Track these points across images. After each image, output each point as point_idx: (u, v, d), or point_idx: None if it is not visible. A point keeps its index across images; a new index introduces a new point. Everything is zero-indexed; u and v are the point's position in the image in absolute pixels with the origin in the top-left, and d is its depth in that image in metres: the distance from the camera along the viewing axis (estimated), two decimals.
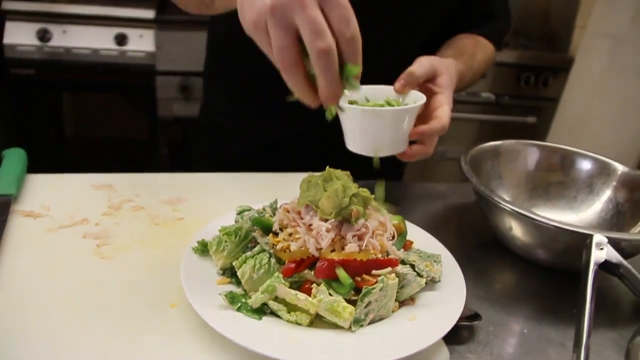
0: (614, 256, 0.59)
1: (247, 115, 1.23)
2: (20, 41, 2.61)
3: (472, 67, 1.08)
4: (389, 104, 0.83)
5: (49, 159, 3.30)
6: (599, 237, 0.60)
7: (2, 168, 0.93)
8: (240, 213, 0.76)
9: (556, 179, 0.97)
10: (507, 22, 1.28)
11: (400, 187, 1.12)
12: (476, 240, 0.90)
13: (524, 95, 2.78)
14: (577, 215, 0.95)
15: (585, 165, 0.97)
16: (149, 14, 2.62)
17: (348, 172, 0.73)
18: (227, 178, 1.00)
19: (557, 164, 0.98)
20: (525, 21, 3.19)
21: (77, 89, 3.13)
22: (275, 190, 0.94)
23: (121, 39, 2.61)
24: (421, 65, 0.86)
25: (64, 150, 3.48)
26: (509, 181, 0.97)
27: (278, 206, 0.76)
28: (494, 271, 0.84)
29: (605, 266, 0.59)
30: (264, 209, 0.76)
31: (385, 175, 0.93)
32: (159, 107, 2.68)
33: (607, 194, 0.94)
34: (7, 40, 2.61)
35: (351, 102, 0.82)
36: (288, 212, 0.70)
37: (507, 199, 0.95)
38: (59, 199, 0.89)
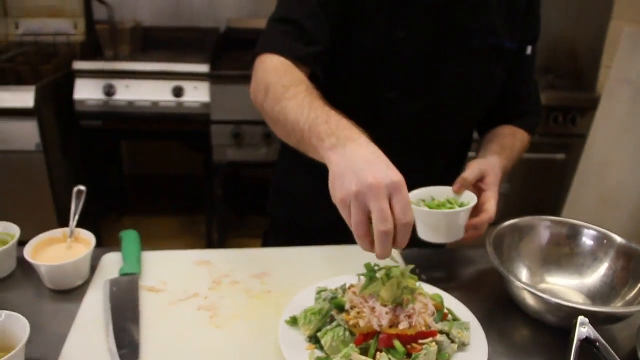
0: (593, 333, 0.80)
1: (319, 190, 1.34)
2: (89, 96, 2.91)
3: (512, 158, 1.31)
4: (449, 202, 1.11)
5: (110, 195, 3.59)
6: (582, 319, 0.81)
7: (124, 249, 1.18)
8: (319, 293, 1.00)
9: (566, 249, 1.18)
10: (539, 115, 1.46)
11: (441, 254, 1.31)
12: (499, 302, 1.10)
13: (554, 134, 2.97)
14: (584, 280, 1.15)
15: (590, 237, 1.17)
16: (204, 68, 2.89)
17: (412, 266, 0.98)
18: (302, 252, 1.22)
19: (566, 236, 1.19)
20: (553, 59, 3.37)
21: (138, 137, 3.43)
22: (344, 262, 1.16)
23: (178, 92, 2.88)
24: (472, 171, 1.14)
25: (122, 187, 3.77)
26: (526, 252, 1.18)
27: (347, 287, 1.00)
28: (512, 329, 1.03)
29: (587, 341, 0.80)
30: (336, 289, 1.00)
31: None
32: (214, 152, 2.94)
33: (607, 262, 1.15)
34: (77, 96, 2.91)
35: (420, 200, 1.11)
36: (355, 294, 0.94)
37: (524, 267, 1.18)
38: (171, 275, 1.12)
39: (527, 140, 1.41)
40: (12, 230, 1.19)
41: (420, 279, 1.09)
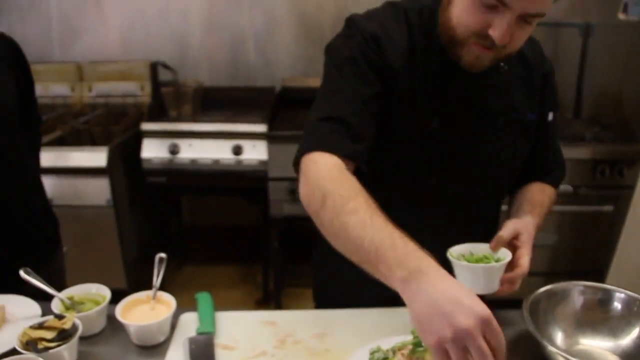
0: None
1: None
2: (155, 155, 3.13)
3: (543, 214, 1.40)
4: (486, 257, 1.23)
5: (170, 245, 3.79)
6: None
7: (200, 310, 1.34)
8: (372, 353, 1.13)
9: (599, 313, 1.27)
10: (564, 169, 1.58)
11: None
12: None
13: (601, 186, 3.02)
14: (618, 341, 1.23)
15: (622, 301, 1.26)
16: (261, 128, 3.09)
17: None
18: (358, 313, 1.34)
19: (599, 301, 1.29)
20: (598, 110, 3.45)
21: (199, 192, 3.63)
22: (395, 323, 1.27)
23: (238, 150, 3.08)
24: (507, 229, 1.26)
25: (182, 237, 3.96)
26: (560, 316, 1.26)
27: (397, 349, 1.13)
28: None
29: None
30: (387, 350, 1.13)
31: None
32: (271, 207, 3.11)
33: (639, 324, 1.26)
34: (144, 154, 3.13)
35: (460, 255, 1.24)
36: (404, 356, 1.07)
37: (560, 330, 1.28)
38: (242, 333, 1.26)
39: (554, 194, 1.51)
40: (104, 292, 1.36)
41: None
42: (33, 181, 1.82)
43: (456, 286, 0.87)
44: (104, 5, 3.71)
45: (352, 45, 1.25)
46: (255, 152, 3.09)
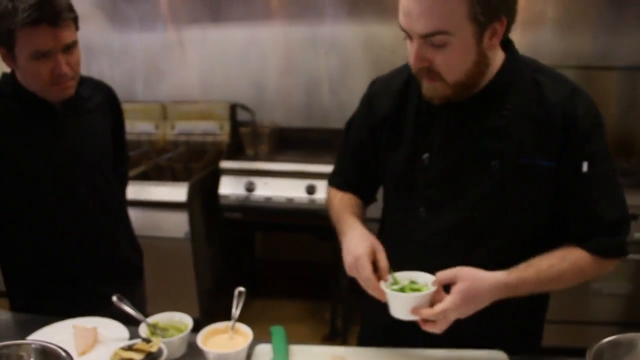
0: None
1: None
2: (232, 191, 3.27)
3: (540, 278, 1.28)
4: (413, 287, 1.31)
5: (242, 278, 3.90)
6: None
7: (274, 342, 1.42)
8: None
9: None
10: (616, 236, 1.35)
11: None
12: None
13: None
14: None
15: None
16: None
17: None
18: (422, 353, 1.40)
19: None
20: None
21: (273, 228, 3.74)
22: None
23: (311, 189, 3.18)
24: (446, 272, 1.26)
25: (253, 271, 4.07)
26: None
27: None
28: None
29: None
30: None
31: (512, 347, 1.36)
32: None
33: None
34: (222, 191, 3.28)
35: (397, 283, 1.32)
36: None
37: None
38: None
39: (593, 263, 1.34)
40: (186, 320, 1.48)
41: None
42: (121, 215, 1.97)
43: (350, 240, 1.38)
44: (187, 49, 3.93)
45: (357, 111, 1.62)
46: None
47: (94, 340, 1.48)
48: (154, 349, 1.32)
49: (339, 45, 3.73)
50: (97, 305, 1.60)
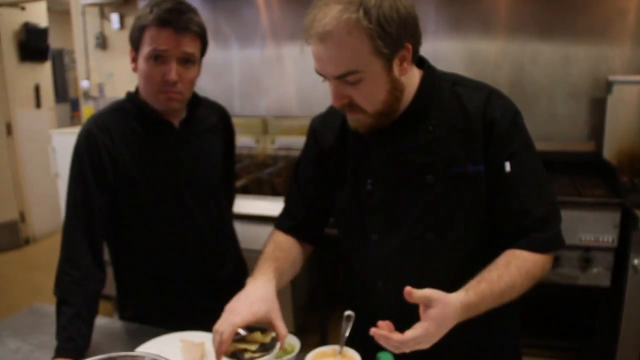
0: None
1: None
2: None
3: (493, 291, 1.24)
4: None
5: (337, 294, 3.88)
6: None
7: None
8: None
9: None
10: (550, 229, 1.35)
11: None
12: None
13: None
14: None
15: None
16: None
17: None
18: None
19: None
20: None
21: None
22: None
23: None
24: (424, 292, 1.17)
25: None
26: None
27: None
28: None
29: None
30: None
31: None
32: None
33: None
34: None
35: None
36: None
37: None
38: None
39: (536, 261, 1.33)
40: (293, 342, 1.46)
41: None
42: (229, 232, 2.00)
43: (250, 289, 1.41)
44: (285, 64, 3.98)
45: (303, 148, 1.65)
46: None
47: (202, 356, 1.50)
48: (267, 340, 1.36)
49: (441, 61, 3.61)
50: (203, 320, 1.62)
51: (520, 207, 1.36)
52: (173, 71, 1.61)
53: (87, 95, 4.76)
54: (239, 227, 3.16)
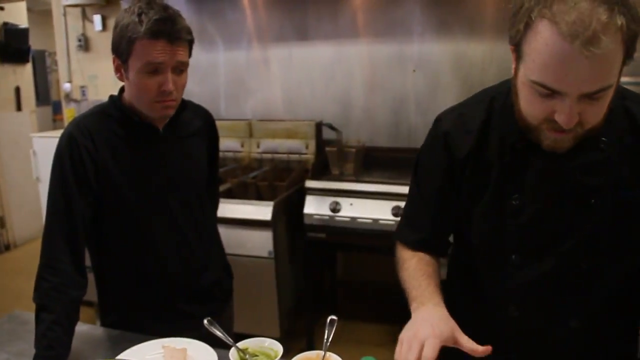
0: None
1: None
2: (316, 211, 3.24)
3: None
4: None
5: (323, 299, 3.87)
6: None
7: None
8: None
9: None
10: None
11: None
12: None
13: None
14: None
15: None
16: None
17: None
18: None
19: None
20: None
21: (356, 249, 3.69)
22: None
23: (397, 211, 3.10)
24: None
25: (334, 292, 4.03)
26: None
27: None
28: None
29: None
30: None
31: None
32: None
33: None
34: (306, 210, 3.26)
35: None
36: None
37: None
38: None
39: None
40: (276, 347, 1.43)
41: None
42: (213, 236, 1.97)
43: (431, 314, 1.21)
44: (272, 66, 3.96)
45: (425, 149, 1.43)
46: None
47: None
48: None
49: (427, 63, 3.68)
50: (186, 326, 1.60)
51: None
52: (170, 82, 1.58)
53: (69, 98, 4.70)
54: (224, 232, 3.13)
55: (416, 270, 1.37)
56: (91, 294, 1.69)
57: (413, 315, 1.26)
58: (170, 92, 1.59)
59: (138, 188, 1.68)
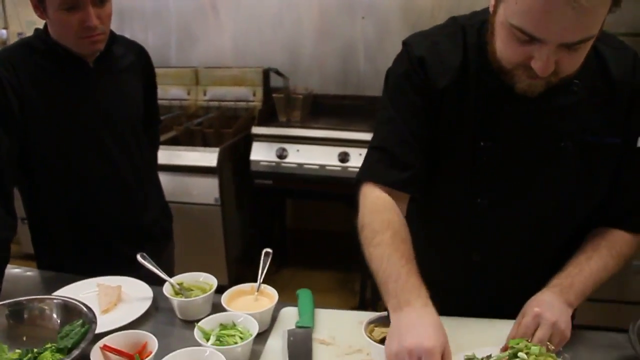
0: None
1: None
2: (263, 158, 3.23)
3: (588, 283, 1.21)
4: None
5: (272, 247, 3.87)
6: None
7: (300, 305, 1.37)
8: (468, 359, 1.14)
9: None
10: None
11: (587, 335, 1.31)
12: None
13: None
14: None
15: None
16: (368, 136, 3.10)
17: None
18: (456, 322, 1.27)
19: None
20: None
21: (303, 196, 3.70)
22: (489, 336, 1.23)
23: (344, 157, 3.12)
24: (525, 325, 1.14)
25: (284, 239, 4.05)
26: None
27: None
28: None
29: None
30: (482, 358, 1.12)
31: None
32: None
33: None
34: (253, 157, 3.24)
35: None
36: None
37: None
38: (339, 331, 1.27)
39: (629, 241, 1.28)
40: (211, 281, 1.44)
41: (564, 358, 1.15)
42: (152, 177, 1.94)
43: (425, 318, 1.03)
44: (220, 14, 3.87)
45: (400, 72, 1.28)
46: (361, 160, 3.09)
47: (118, 299, 1.46)
48: None
49: (376, 9, 3.64)
50: (124, 266, 1.57)
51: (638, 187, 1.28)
52: (92, 17, 1.51)
53: (5, 45, 4.52)
54: (170, 179, 3.12)
55: (392, 252, 1.14)
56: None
57: (395, 318, 1.07)
58: (94, 27, 1.53)
59: (68, 124, 1.63)
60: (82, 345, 1.14)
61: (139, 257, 1.47)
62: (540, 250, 1.33)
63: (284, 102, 3.48)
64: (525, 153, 1.24)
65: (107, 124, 1.69)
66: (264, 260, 1.43)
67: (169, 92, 3.80)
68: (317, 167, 3.16)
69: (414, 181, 1.26)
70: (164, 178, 2.00)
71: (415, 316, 1.04)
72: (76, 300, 1.29)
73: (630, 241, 1.28)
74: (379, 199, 1.24)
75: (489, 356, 1.11)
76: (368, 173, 1.30)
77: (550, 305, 1.14)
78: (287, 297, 1.46)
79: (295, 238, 4.09)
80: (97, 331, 1.21)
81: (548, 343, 1.10)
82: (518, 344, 1.05)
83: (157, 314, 1.43)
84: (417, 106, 1.25)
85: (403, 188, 1.26)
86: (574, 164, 1.23)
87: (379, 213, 1.22)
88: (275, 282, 1.46)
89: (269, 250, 1.44)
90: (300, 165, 3.19)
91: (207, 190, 3.16)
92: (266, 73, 3.73)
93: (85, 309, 1.25)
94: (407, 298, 1.06)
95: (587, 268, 1.21)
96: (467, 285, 1.36)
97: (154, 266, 1.45)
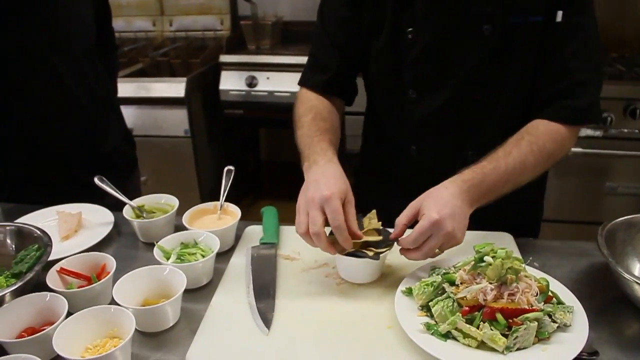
0: None
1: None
2: (232, 87, 3.15)
3: (497, 167, 1.16)
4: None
5: (247, 180, 3.85)
6: None
7: (265, 222, 1.35)
8: (433, 269, 1.11)
9: None
10: (588, 97, 1.24)
11: (557, 245, 1.33)
12: (609, 295, 1.12)
13: None
14: None
15: None
16: None
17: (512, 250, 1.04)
18: None
19: None
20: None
21: (276, 125, 3.63)
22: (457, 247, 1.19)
23: None
24: (404, 214, 1.12)
25: (259, 172, 4.02)
26: None
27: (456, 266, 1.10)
28: (620, 321, 1.06)
29: None
30: (449, 267, 1.11)
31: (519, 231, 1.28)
32: (347, 142, 3.08)
33: None
34: (222, 86, 3.16)
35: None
36: (465, 271, 1.04)
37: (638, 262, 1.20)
38: (305, 247, 1.21)
39: (554, 136, 1.23)
40: (172, 202, 1.40)
41: (532, 266, 1.14)
42: (111, 105, 1.87)
43: (326, 173, 1.14)
44: None
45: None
46: None
47: (78, 225, 1.42)
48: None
49: None
50: (86, 195, 1.52)
51: (561, 66, 1.23)
52: None
53: None
54: (138, 112, 3.04)
55: (310, 127, 1.29)
56: None
57: (305, 176, 1.19)
58: None
59: (15, 48, 1.54)
60: (36, 268, 1.10)
61: (96, 179, 1.42)
62: (473, 140, 1.34)
63: (252, 29, 3.38)
64: (448, 40, 1.25)
65: (57, 48, 1.59)
66: (226, 177, 1.40)
67: (133, 23, 3.67)
68: (288, 94, 3.07)
69: (332, 84, 1.39)
70: (131, 111, 1.93)
71: (320, 171, 1.15)
72: (31, 225, 1.25)
73: (555, 136, 1.23)
74: (306, 95, 1.41)
75: (455, 265, 1.10)
76: (301, 79, 1.45)
77: (450, 207, 1.07)
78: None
79: (270, 171, 4.06)
80: (58, 257, 1.19)
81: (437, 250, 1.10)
82: (484, 248, 1.02)
83: (120, 238, 1.41)
84: (343, 17, 1.36)
85: (323, 90, 1.39)
86: (498, 48, 1.23)
87: (304, 103, 1.38)
88: (251, 215, 1.44)
89: (231, 167, 1.40)
90: (270, 92, 3.11)
91: (176, 122, 3.08)
92: (233, 0, 3.60)
93: (40, 232, 1.21)
94: (315, 159, 1.19)
95: (503, 165, 1.16)
96: (411, 176, 1.38)
97: (112, 188, 1.41)
